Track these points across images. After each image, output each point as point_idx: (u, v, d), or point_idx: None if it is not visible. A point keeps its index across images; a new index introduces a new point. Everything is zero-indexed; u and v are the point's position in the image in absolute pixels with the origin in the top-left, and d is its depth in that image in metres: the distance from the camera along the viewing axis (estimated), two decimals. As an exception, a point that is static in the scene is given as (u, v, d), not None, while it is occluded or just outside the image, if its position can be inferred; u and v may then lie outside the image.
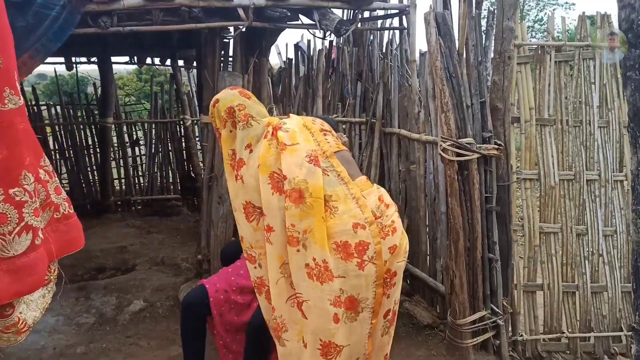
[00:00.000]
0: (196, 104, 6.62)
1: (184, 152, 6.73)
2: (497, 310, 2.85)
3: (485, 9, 3.12)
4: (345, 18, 3.50)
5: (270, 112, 3.89)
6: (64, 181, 6.65)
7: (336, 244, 1.81)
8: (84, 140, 6.43)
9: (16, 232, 1.16)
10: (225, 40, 3.90)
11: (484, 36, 2.94)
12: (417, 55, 3.43)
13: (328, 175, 1.89)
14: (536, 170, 3.12)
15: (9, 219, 1.14)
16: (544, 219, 3.15)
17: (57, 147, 6.39)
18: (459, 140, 2.71)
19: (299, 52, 4.89)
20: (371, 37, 4.06)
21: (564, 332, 3.14)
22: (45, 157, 1.36)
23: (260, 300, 2.00)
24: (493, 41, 2.86)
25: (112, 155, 6.54)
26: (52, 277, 1.36)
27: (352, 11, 3.33)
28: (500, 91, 2.83)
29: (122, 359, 3.08)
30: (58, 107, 6.46)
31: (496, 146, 2.77)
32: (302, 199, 1.81)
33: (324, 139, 2.01)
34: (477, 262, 2.80)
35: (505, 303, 2.89)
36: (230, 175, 2.05)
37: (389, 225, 1.89)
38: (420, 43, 3.39)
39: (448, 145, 2.73)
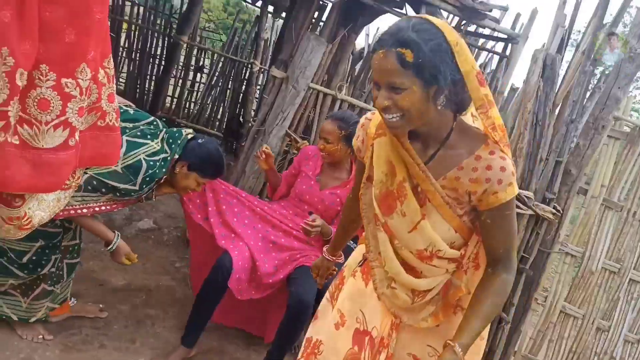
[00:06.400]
0: (269, 54, 6.53)
1: (241, 95, 6.69)
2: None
3: (598, 71, 2.87)
4: (451, 24, 3.31)
5: (339, 90, 3.76)
6: (121, 80, 6.71)
7: None
8: (153, 48, 6.44)
9: (53, 124, 1.05)
10: (322, 2, 3.76)
11: (587, 95, 2.72)
12: (507, 90, 3.22)
13: None
14: (582, 250, 2.93)
15: (51, 108, 1.05)
16: (570, 299, 2.97)
17: (126, 46, 6.42)
18: (520, 190, 2.54)
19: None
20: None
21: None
22: (111, 58, 1.23)
23: None
24: (594, 104, 2.65)
25: (173, 72, 6.53)
26: (73, 184, 1.26)
27: (458, 20, 3.13)
28: (579, 157, 2.62)
29: (111, 265, 3.08)
30: (141, 8, 6.47)
31: (554, 211, 2.58)
32: None
33: None
34: (488, 317, 2.65)
35: (498, 367, 2.75)
36: None
37: None
38: (515, 79, 3.18)
39: (505, 191, 2.56)
